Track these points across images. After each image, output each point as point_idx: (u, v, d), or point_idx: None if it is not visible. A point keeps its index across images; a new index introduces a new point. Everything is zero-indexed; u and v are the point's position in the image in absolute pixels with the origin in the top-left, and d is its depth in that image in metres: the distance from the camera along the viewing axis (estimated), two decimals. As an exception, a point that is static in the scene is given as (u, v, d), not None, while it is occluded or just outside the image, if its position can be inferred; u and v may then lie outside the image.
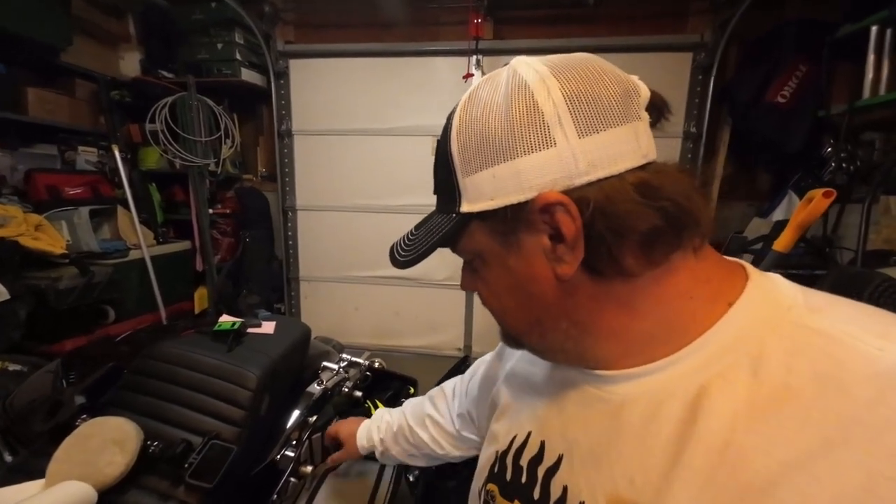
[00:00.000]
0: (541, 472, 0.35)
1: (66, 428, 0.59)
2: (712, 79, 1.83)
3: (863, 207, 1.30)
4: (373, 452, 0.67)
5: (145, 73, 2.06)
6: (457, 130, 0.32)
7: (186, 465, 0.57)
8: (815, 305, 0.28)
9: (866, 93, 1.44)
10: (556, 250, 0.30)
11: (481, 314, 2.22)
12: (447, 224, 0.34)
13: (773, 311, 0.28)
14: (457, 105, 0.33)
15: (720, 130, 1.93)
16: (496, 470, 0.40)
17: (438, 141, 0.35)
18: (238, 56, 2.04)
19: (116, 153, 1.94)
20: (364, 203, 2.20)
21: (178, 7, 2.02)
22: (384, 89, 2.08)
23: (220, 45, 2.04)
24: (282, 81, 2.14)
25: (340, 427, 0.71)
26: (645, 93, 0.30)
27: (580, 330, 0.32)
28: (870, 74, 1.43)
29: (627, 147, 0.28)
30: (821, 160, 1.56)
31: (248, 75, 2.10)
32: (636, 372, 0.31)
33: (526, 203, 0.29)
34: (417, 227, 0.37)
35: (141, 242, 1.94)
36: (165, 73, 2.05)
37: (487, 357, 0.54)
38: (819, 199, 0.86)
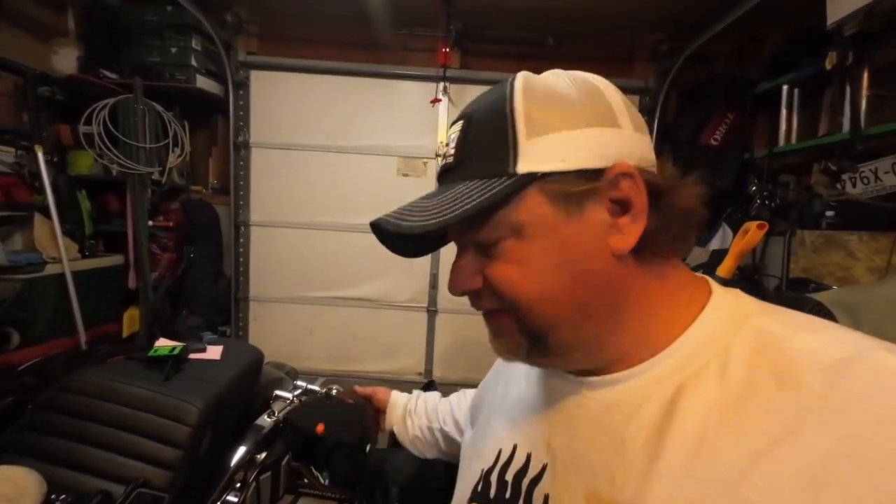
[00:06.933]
0: (525, 484, 0.35)
1: (-58, 481, 0.47)
2: (656, 120, 2.02)
3: (784, 240, 1.46)
4: None
5: (84, 71, 1.89)
6: (524, 91, 0.31)
7: (103, 521, 0.48)
8: (770, 313, 0.32)
9: (781, 140, 1.65)
10: (618, 223, 0.31)
11: (443, 337, 2.18)
12: (496, 186, 0.30)
13: (735, 317, 0.32)
14: (505, 81, 0.33)
15: (663, 166, 2.12)
16: (480, 489, 0.39)
17: (474, 109, 0.33)
18: (194, 62, 1.93)
19: (40, 155, 1.72)
20: (324, 220, 2.12)
21: (129, 7, 1.89)
22: (350, 108, 2.07)
23: (174, 50, 1.92)
24: (241, 92, 2.05)
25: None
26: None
27: (612, 322, 0.33)
28: (783, 125, 1.65)
29: (652, 154, 0.34)
30: (747, 197, 1.75)
31: (204, 83, 1.99)
32: (617, 377, 0.33)
33: (600, 170, 0.30)
34: (429, 196, 0.33)
35: (62, 255, 1.70)
36: (108, 73, 1.89)
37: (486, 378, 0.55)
38: (754, 231, 0.96)
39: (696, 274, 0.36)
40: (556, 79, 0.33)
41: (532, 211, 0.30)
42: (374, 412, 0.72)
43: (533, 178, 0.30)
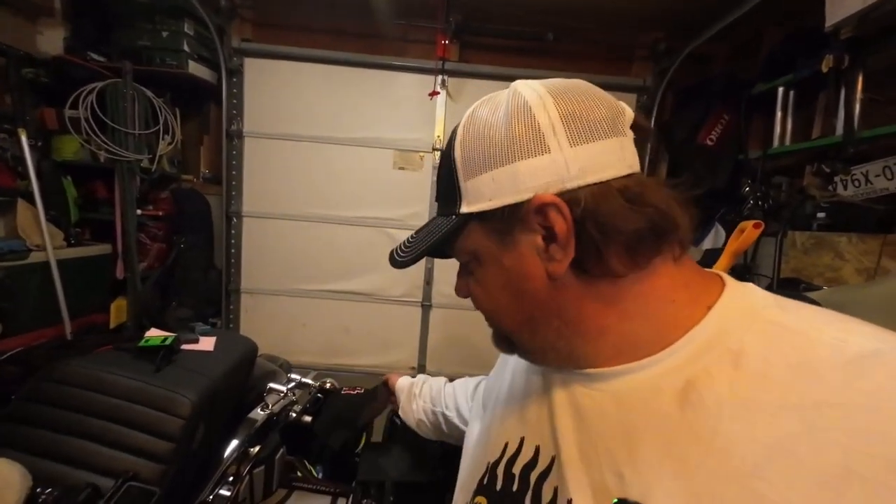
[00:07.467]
0: (533, 477, 0.35)
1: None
2: (653, 119, 2.03)
3: (776, 240, 1.48)
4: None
5: (70, 52, 1.82)
6: (461, 139, 0.35)
7: (92, 515, 0.46)
8: (784, 306, 0.31)
9: (775, 142, 1.67)
10: (549, 249, 0.32)
11: (436, 332, 2.18)
12: (447, 225, 0.36)
13: (749, 311, 0.31)
14: (461, 120, 0.36)
15: (659, 165, 2.13)
16: (486, 481, 0.39)
17: (442, 151, 0.38)
18: (186, 47, 1.88)
19: (23, 139, 1.67)
20: (317, 213, 2.10)
21: (119, -13, 1.84)
22: (346, 98, 2.03)
23: (165, 34, 1.87)
24: (234, 79, 2.01)
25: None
26: (630, 114, 0.34)
27: (570, 329, 0.34)
28: (777, 127, 1.67)
29: (613, 157, 0.31)
30: (741, 198, 1.77)
31: (197, 69, 1.94)
32: (624, 369, 0.33)
33: (522, 203, 0.32)
34: (418, 231, 0.39)
35: (46, 243, 1.66)
36: (96, 56, 1.83)
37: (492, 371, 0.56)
38: (750, 230, 0.96)
39: (706, 270, 0.36)
40: (494, 112, 0.33)
41: (478, 243, 0.35)
42: (390, 394, 0.78)
43: (471, 216, 0.34)
